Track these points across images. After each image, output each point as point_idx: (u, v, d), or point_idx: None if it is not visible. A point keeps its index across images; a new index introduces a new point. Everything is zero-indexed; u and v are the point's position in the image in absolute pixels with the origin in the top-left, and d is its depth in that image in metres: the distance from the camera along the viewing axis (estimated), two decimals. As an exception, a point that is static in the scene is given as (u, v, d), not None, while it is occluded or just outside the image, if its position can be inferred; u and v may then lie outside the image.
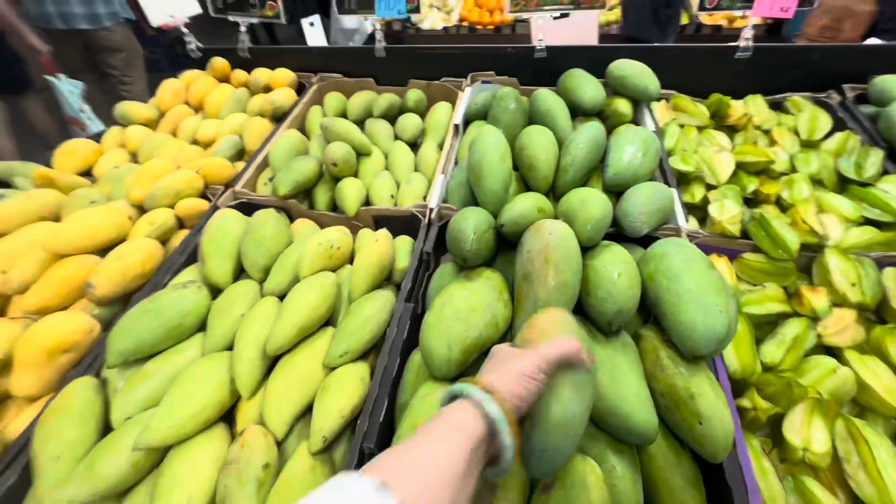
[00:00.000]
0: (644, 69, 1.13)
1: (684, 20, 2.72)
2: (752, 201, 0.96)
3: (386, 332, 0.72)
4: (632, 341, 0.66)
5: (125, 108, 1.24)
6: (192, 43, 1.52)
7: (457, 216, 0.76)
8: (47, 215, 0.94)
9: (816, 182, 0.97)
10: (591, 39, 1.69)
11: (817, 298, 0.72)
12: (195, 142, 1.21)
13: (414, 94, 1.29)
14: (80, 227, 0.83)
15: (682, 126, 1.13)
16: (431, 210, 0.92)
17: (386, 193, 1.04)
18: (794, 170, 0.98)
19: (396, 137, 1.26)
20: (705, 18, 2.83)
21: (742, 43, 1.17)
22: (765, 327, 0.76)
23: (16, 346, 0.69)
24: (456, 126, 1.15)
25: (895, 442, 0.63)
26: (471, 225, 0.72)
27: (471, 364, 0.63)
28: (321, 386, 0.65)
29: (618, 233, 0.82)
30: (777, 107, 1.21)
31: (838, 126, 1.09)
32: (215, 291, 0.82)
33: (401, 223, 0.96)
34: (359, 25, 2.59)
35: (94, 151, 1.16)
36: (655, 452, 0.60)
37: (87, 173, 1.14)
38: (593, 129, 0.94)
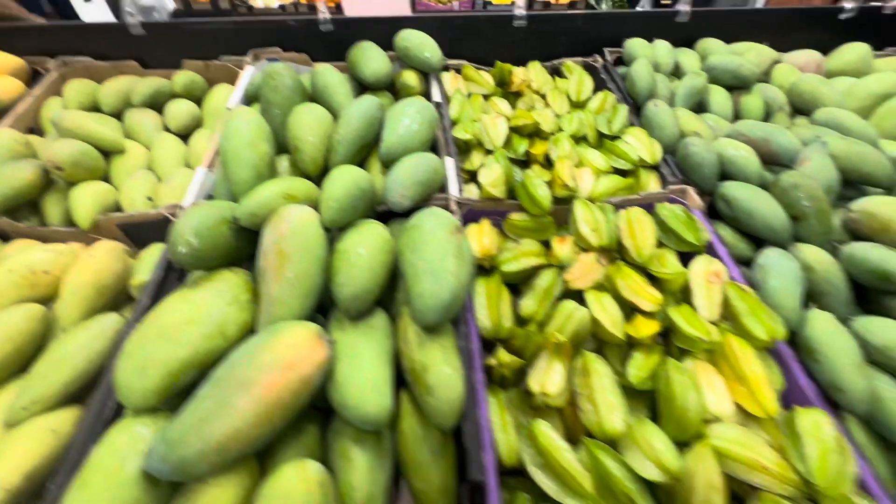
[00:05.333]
0: (425, 39, 1.12)
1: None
2: (528, 163, 1.01)
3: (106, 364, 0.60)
4: (383, 322, 0.63)
5: None
6: None
7: (181, 213, 0.66)
8: None
9: (581, 139, 1.06)
10: (404, 10, 1.65)
11: (561, 248, 0.77)
12: None
13: (183, 77, 1.12)
14: None
15: (470, 95, 1.15)
16: (184, 210, 0.80)
17: (140, 196, 0.88)
18: (561, 130, 1.05)
19: (168, 129, 1.08)
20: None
21: (517, 12, 1.22)
22: (530, 282, 0.79)
23: None
24: (230, 110, 1.02)
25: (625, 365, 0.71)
26: (191, 223, 0.62)
27: (188, 385, 0.54)
28: (-12, 454, 0.51)
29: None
30: (557, 72, 1.29)
31: (602, 87, 1.20)
32: None
33: (154, 229, 0.82)
34: (156, 2, 2.22)
35: None
36: (406, 430, 0.58)
37: None
38: (365, 103, 0.89)
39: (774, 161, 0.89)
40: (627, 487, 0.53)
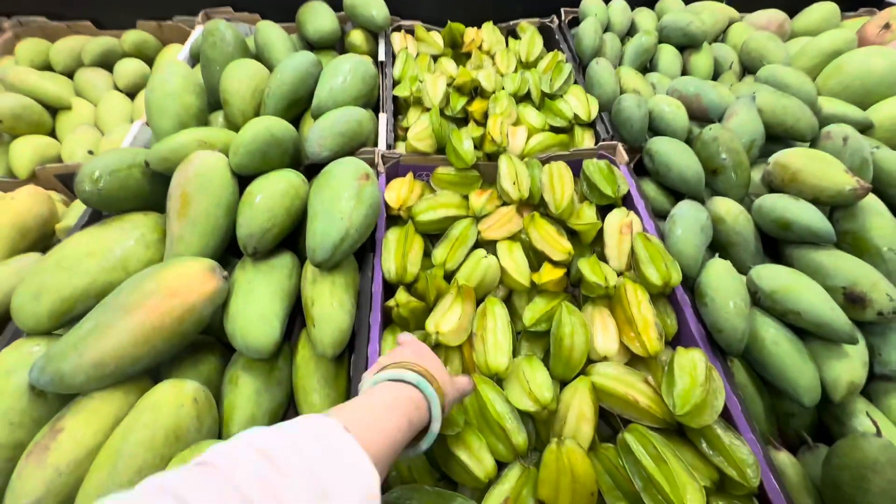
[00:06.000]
0: (372, -4, 1.11)
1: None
2: (467, 121, 1.01)
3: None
4: (287, 263, 0.66)
5: None
6: None
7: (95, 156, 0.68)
8: None
9: (525, 98, 1.05)
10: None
11: (477, 199, 0.79)
12: None
13: (133, 36, 1.13)
14: None
15: (418, 55, 1.14)
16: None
17: (81, 149, 0.91)
18: (503, 89, 1.05)
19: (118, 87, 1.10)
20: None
21: (470, -30, 1.20)
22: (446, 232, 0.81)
23: None
24: (174, 68, 1.03)
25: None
26: (98, 163, 0.64)
27: (79, 314, 0.57)
28: None
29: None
30: (513, 33, 1.27)
31: (557, 47, 1.18)
32: None
33: (90, 180, 0.85)
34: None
35: None
36: (300, 362, 0.62)
37: None
38: (298, 58, 0.90)
39: (705, 117, 0.88)
40: (498, 414, 0.56)
